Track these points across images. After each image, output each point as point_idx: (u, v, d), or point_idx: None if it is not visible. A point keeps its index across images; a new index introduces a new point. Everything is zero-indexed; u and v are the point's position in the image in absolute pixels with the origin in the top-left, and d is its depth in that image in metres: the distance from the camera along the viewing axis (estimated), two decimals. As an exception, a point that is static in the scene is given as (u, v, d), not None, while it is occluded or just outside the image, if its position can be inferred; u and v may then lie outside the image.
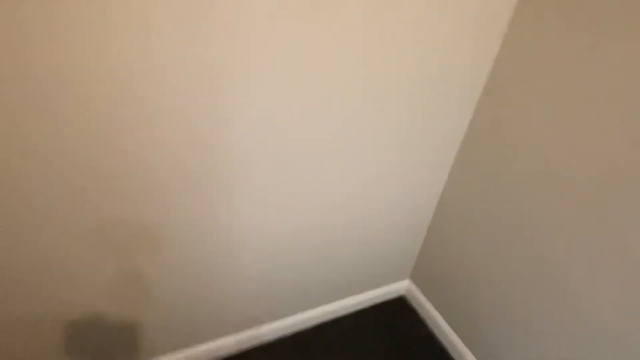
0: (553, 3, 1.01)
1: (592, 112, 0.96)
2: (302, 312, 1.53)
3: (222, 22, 0.75)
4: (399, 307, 1.75)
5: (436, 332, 1.63)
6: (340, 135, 1.05)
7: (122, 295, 1.03)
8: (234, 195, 1.02)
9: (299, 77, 0.90)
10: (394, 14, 0.91)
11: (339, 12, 0.85)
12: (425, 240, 1.62)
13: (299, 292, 1.43)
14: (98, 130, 0.77)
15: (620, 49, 0.89)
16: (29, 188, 0.77)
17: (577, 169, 1.00)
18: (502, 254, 1.27)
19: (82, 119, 0.74)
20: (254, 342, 1.44)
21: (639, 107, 0.87)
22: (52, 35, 0.65)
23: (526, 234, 1.17)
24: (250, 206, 1.06)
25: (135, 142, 0.81)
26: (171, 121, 0.82)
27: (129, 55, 0.71)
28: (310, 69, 0.90)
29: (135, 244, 0.96)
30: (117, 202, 0.87)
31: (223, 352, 1.37)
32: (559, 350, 1.14)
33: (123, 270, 0.99)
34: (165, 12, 0.70)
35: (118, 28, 0.69)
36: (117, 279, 1.00)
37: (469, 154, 1.32)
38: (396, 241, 1.53)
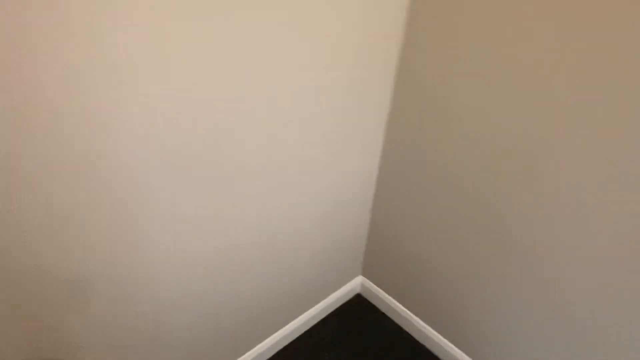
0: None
1: (523, 60, 0.92)
2: (259, 342, 1.36)
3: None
4: (358, 307, 1.66)
5: (401, 323, 1.58)
6: (256, 121, 0.91)
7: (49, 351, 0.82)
8: (144, 229, 0.82)
9: (205, 76, 0.74)
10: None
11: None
12: (370, 229, 1.55)
13: (248, 322, 1.26)
14: None
15: None
16: None
17: (516, 121, 0.98)
18: (456, 226, 1.23)
19: None
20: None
21: (574, 54, 0.86)
22: None
23: (479, 197, 1.14)
24: (165, 235, 0.88)
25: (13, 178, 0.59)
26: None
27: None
28: (217, 60, 0.75)
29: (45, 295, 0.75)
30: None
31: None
32: (536, 322, 1.13)
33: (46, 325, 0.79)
34: None
35: None
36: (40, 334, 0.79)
37: (399, 125, 1.26)
38: (339, 238, 1.43)
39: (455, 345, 1.40)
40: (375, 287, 1.64)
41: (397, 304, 1.57)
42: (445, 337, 1.43)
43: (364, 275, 1.68)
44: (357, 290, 1.71)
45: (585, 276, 0.98)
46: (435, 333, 1.46)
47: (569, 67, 0.85)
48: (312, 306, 1.52)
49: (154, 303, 0.94)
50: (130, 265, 0.84)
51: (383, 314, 1.63)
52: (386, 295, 1.61)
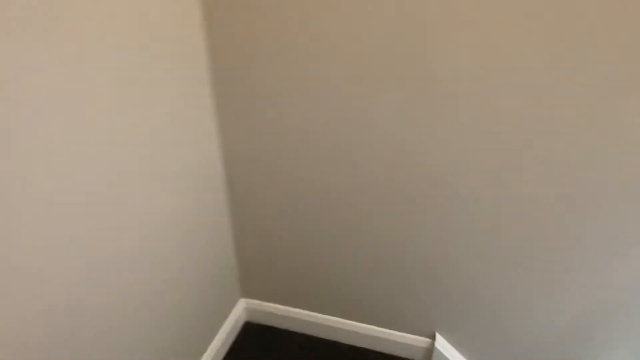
0: None
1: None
2: None
3: None
4: (251, 338, 1.35)
5: (307, 330, 1.35)
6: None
7: None
8: None
9: None
10: None
11: None
12: (236, 239, 1.24)
13: None
14: None
15: None
16: None
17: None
18: (321, 207, 1.07)
19: None
20: None
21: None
22: None
23: (333, 172, 1.00)
24: None
25: None
26: None
27: None
28: None
29: None
30: None
31: None
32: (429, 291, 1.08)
33: None
34: None
35: None
36: None
37: (231, 109, 1.01)
38: (201, 267, 1.09)
39: (369, 323, 1.27)
40: (264, 303, 1.35)
41: (294, 310, 1.33)
42: (358, 321, 1.28)
43: (246, 296, 1.37)
44: (244, 318, 1.40)
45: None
46: (347, 321, 1.29)
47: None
48: (199, 356, 1.14)
49: None
50: None
51: (283, 330, 1.37)
52: (277, 306, 1.34)
